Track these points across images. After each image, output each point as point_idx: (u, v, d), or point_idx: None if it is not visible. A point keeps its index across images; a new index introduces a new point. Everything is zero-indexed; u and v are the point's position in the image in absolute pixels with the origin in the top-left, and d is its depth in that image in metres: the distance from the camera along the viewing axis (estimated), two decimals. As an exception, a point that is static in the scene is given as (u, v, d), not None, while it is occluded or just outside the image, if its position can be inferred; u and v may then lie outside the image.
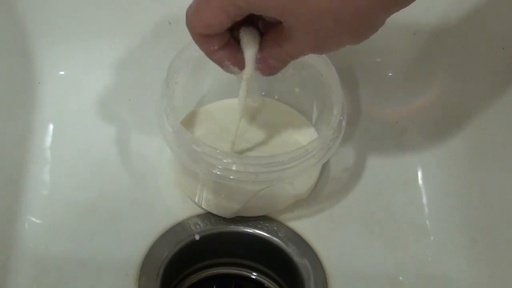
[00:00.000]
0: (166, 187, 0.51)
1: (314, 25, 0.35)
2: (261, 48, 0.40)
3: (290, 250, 0.48)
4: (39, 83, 0.54)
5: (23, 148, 0.51)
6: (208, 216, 0.50)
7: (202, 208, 0.50)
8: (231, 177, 0.44)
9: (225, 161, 0.43)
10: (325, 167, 0.53)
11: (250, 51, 0.40)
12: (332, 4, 0.34)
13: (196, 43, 0.39)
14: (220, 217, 0.49)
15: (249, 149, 0.49)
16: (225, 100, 0.54)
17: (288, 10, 0.35)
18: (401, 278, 0.48)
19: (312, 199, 0.51)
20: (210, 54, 0.40)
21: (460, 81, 0.53)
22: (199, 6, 0.37)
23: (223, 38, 0.39)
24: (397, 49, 0.55)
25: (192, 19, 0.38)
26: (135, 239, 0.48)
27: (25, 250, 0.47)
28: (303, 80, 0.52)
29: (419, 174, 0.53)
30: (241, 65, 0.40)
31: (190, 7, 0.38)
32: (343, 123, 0.46)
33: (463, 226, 0.49)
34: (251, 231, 0.49)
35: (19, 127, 0.52)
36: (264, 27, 0.40)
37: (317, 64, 0.49)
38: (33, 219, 0.49)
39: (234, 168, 0.43)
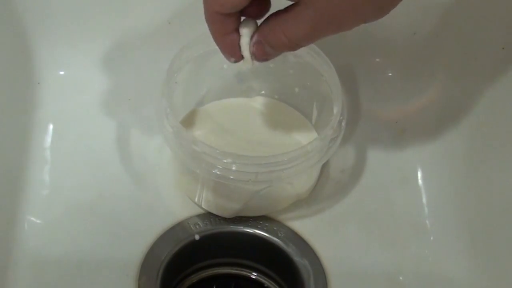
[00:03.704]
0: (166, 187, 0.51)
1: None
2: (258, 32, 0.38)
3: (290, 250, 0.49)
4: (39, 83, 0.54)
5: (23, 148, 0.51)
6: (208, 216, 0.50)
7: (202, 208, 0.50)
8: (231, 177, 0.44)
9: (225, 161, 0.43)
10: (325, 167, 0.53)
11: (244, 40, 0.38)
12: None
13: (209, 23, 0.37)
14: (220, 217, 0.49)
15: (249, 149, 0.49)
16: (225, 100, 0.54)
17: None
18: (401, 278, 0.48)
19: (312, 199, 0.51)
20: (218, 38, 0.38)
21: (460, 81, 0.53)
22: None
23: (234, 22, 0.37)
24: (397, 49, 0.55)
25: None
26: (135, 239, 0.48)
27: (25, 250, 0.47)
28: (303, 80, 0.52)
29: (419, 174, 0.53)
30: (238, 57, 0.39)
31: None
32: (343, 123, 0.46)
33: (463, 226, 0.49)
34: (251, 231, 0.49)
35: (19, 127, 0.52)
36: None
37: (317, 64, 0.49)
38: (33, 219, 0.49)
39: (234, 168, 0.43)
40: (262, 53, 0.38)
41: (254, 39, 0.38)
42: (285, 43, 0.36)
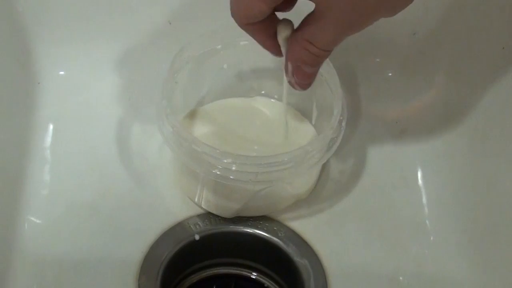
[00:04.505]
0: (166, 187, 0.51)
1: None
2: (288, 57, 0.39)
3: (290, 250, 0.48)
4: (39, 83, 0.54)
5: (23, 148, 0.51)
6: (208, 216, 0.50)
7: (202, 208, 0.50)
8: (231, 177, 0.44)
9: (225, 161, 0.43)
10: (325, 167, 0.53)
11: (283, 43, 0.40)
12: None
13: (248, 33, 0.39)
14: (220, 217, 0.49)
15: (249, 149, 0.49)
16: (225, 99, 0.54)
17: None
18: (401, 278, 0.48)
19: (312, 199, 0.51)
20: (262, 43, 0.40)
21: (460, 81, 0.53)
22: None
23: (269, 25, 0.39)
24: (397, 49, 0.55)
25: (233, 10, 0.38)
26: (135, 239, 0.48)
27: (25, 250, 0.47)
28: (303, 80, 0.52)
29: (419, 174, 0.53)
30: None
31: None
32: (343, 123, 0.47)
33: (463, 226, 0.49)
34: (251, 231, 0.49)
35: (19, 127, 0.52)
36: None
37: (317, 64, 0.49)
38: (33, 219, 0.49)
39: (234, 168, 0.43)
40: (304, 77, 0.40)
41: (289, 69, 0.40)
42: (317, 53, 0.38)
